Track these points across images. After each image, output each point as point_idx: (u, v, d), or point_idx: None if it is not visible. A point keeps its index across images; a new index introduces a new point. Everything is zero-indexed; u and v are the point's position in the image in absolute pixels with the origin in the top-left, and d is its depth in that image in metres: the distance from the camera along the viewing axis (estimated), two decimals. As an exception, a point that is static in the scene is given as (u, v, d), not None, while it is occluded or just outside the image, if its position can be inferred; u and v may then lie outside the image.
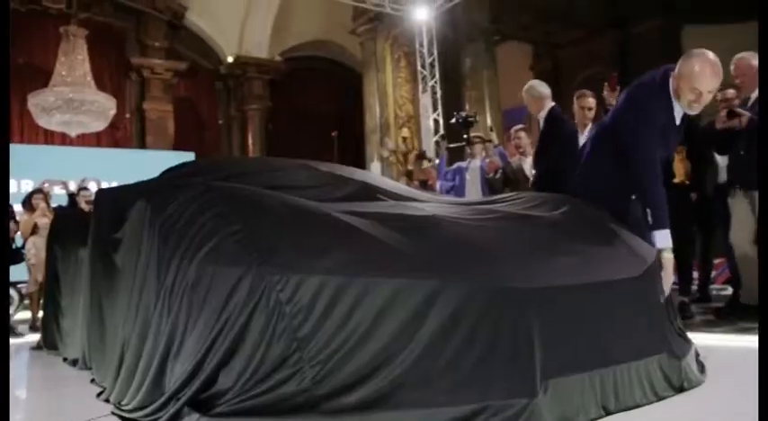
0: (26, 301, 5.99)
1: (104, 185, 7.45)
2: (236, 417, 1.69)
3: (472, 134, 7.10)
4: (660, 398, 2.05)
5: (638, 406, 1.99)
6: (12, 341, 4.61)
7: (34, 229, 5.57)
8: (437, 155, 10.11)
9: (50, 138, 13.30)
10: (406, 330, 1.76)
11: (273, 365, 1.72)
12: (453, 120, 7.29)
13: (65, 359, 3.52)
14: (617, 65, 11.80)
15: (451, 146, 8.69)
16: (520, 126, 5.96)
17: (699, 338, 2.70)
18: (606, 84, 4.30)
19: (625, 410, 1.95)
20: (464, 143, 7.15)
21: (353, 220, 2.06)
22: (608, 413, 1.91)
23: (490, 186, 5.98)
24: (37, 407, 2.73)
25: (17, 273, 5.41)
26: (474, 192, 6.22)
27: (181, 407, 1.78)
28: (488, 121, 10.78)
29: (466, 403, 1.72)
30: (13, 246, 5.47)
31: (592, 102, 4.60)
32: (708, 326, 3.81)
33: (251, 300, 1.76)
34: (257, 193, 2.24)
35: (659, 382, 2.10)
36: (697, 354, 2.41)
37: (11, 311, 5.22)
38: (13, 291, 5.60)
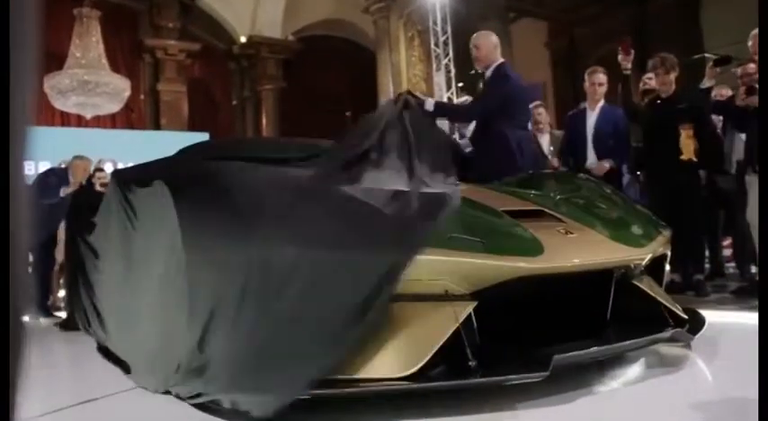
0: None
1: (120, 167, 7.51)
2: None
3: None
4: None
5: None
6: (43, 322, 4.71)
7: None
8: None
9: (66, 120, 13.42)
10: None
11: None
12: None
13: (89, 335, 3.59)
14: (635, 41, 11.57)
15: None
16: (538, 102, 5.91)
17: (713, 316, 2.69)
18: (620, 48, 4.43)
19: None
20: None
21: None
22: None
23: None
24: (63, 383, 2.80)
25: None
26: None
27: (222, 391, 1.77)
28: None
29: None
30: None
31: (603, 78, 4.76)
32: (722, 303, 3.80)
33: (306, 281, 1.70)
34: (278, 172, 2.22)
35: None
36: None
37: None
38: None
